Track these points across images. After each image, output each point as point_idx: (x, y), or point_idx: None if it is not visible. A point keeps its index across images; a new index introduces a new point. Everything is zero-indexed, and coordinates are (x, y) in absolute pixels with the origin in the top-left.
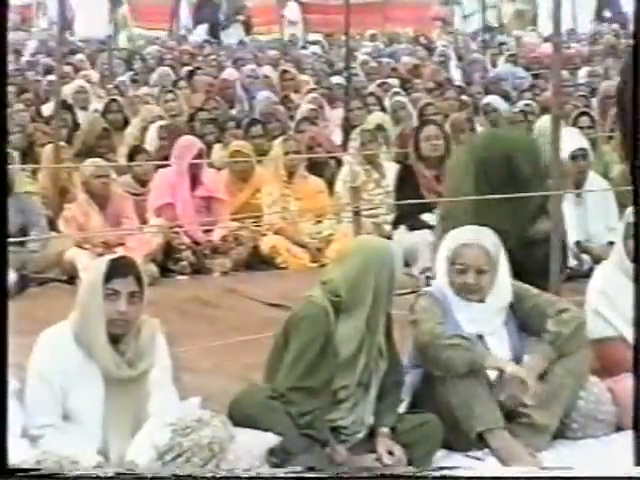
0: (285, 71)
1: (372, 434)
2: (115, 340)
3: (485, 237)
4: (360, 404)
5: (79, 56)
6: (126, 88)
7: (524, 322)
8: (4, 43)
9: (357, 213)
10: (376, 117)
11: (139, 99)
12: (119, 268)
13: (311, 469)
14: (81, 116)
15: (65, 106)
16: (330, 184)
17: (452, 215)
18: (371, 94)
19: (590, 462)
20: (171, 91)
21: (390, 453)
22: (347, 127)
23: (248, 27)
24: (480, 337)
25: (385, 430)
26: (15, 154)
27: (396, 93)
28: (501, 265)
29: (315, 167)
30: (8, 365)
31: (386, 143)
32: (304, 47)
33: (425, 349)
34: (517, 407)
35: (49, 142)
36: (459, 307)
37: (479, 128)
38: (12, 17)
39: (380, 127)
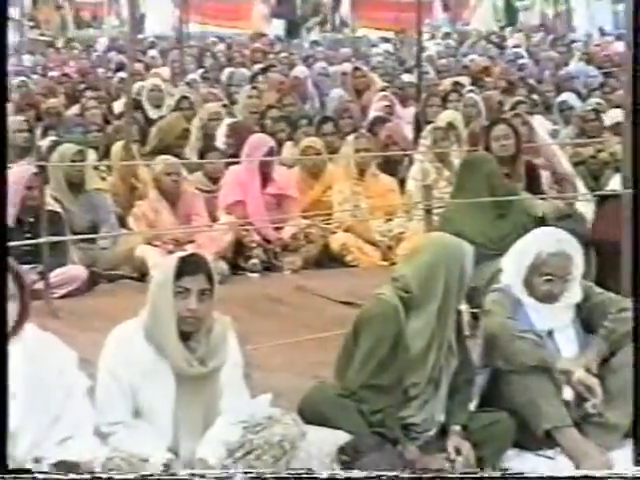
0: (357, 69)
1: (443, 432)
2: (186, 337)
3: (568, 243)
4: (431, 401)
5: (151, 52)
6: (197, 85)
7: (587, 319)
8: (4, 43)
9: (428, 211)
10: (447, 115)
11: (204, 97)
12: (189, 266)
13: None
14: (154, 114)
15: (136, 104)
16: (402, 182)
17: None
18: (442, 92)
19: None
20: (255, 87)
21: (458, 452)
22: (418, 125)
23: (323, 25)
24: (549, 334)
25: (456, 428)
26: (88, 151)
27: (469, 91)
28: (577, 267)
29: (390, 165)
30: (8, 365)
31: (457, 141)
32: (374, 45)
33: (495, 340)
34: (584, 412)
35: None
36: (531, 305)
37: (552, 126)
38: (83, 15)
39: (451, 125)
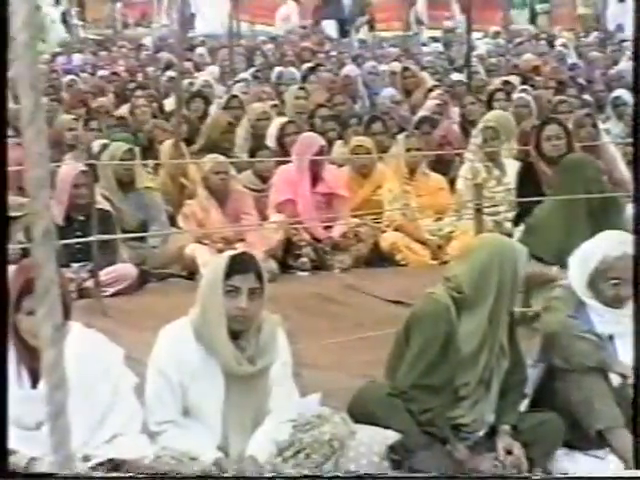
0: (406, 68)
1: (493, 432)
2: (236, 336)
3: (629, 246)
4: (481, 402)
5: (199, 50)
6: (247, 84)
7: None
8: (4, 42)
9: (478, 210)
10: (498, 114)
11: (255, 96)
12: (239, 264)
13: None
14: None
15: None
16: (452, 181)
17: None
18: (493, 91)
19: None
20: (302, 88)
21: (509, 452)
22: (467, 124)
23: (372, 24)
24: (610, 338)
25: (506, 428)
26: (137, 150)
27: (521, 90)
28: None
29: (441, 164)
30: (8, 365)
31: (507, 140)
32: (424, 44)
33: (555, 338)
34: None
35: (169, 138)
36: (595, 308)
37: (603, 125)
38: (132, 13)
39: (501, 124)
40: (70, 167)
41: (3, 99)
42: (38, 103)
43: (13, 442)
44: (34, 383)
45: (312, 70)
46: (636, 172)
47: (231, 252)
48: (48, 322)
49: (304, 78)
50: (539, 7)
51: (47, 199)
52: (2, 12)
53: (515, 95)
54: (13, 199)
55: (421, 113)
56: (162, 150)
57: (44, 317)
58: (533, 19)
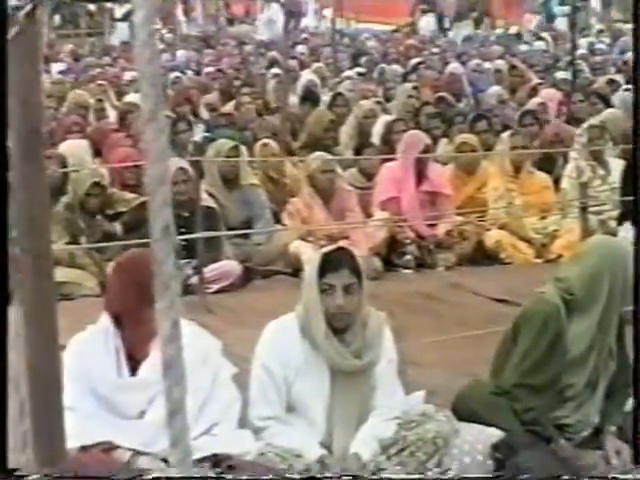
0: (514, 66)
1: (597, 433)
2: (341, 331)
3: None
4: (587, 403)
5: (299, 48)
6: (353, 82)
7: None
8: (4, 42)
9: (583, 209)
10: (606, 113)
11: (361, 94)
12: (332, 262)
13: None
14: None
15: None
16: (556, 180)
17: None
18: (598, 89)
19: None
20: (415, 87)
21: (618, 453)
22: (572, 123)
23: (478, 22)
24: None
25: (613, 429)
26: (242, 148)
27: (626, 89)
28: None
29: (547, 162)
30: (7, 364)
31: (612, 140)
32: (527, 42)
33: None
34: None
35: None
36: None
37: None
38: (236, 10)
39: (607, 124)
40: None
41: (3, 99)
42: (159, 100)
43: (111, 434)
44: (133, 371)
45: (413, 68)
46: (636, 172)
47: (325, 250)
48: (167, 318)
49: (405, 76)
50: (557, 10)
51: (167, 196)
52: (1, 14)
53: (619, 93)
54: (119, 194)
55: (528, 107)
56: (255, 148)
57: (163, 313)
58: (550, 21)
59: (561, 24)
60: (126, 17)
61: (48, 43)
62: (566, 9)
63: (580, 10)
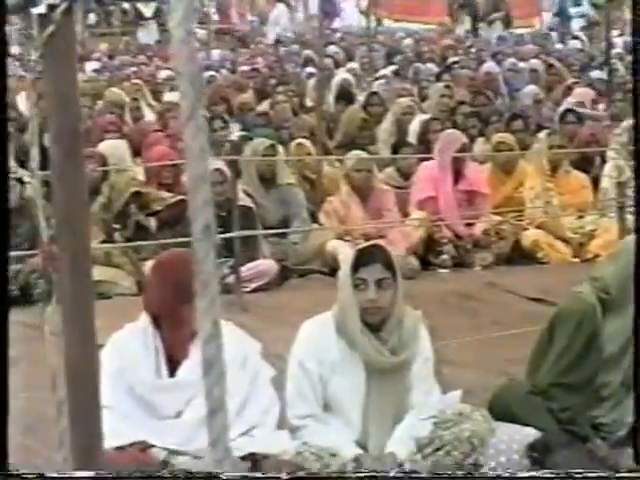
0: (551, 65)
1: (633, 432)
2: (377, 329)
3: None
4: (622, 403)
5: (332, 48)
6: (387, 81)
7: None
8: (3, 41)
9: (621, 208)
10: None
11: (397, 93)
12: (365, 257)
13: None
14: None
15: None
16: (594, 180)
17: None
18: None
19: None
20: (448, 86)
21: None
22: (611, 122)
23: (508, 22)
24: None
25: None
26: (279, 147)
27: None
28: None
29: (585, 162)
30: (8, 363)
31: None
32: (562, 41)
33: None
34: None
35: (309, 134)
36: None
37: None
38: (270, 10)
39: None
40: (221, 164)
41: (3, 99)
42: (198, 99)
43: (146, 434)
44: (171, 372)
45: (449, 67)
46: (636, 171)
47: (359, 246)
48: (207, 317)
49: (438, 76)
50: (573, 11)
51: (207, 194)
52: (1, 15)
53: None
54: (155, 193)
55: (564, 106)
56: (290, 149)
57: (204, 312)
58: (566, 22)
59: (576, 25)
60: (155, 15)
61: (82, 42)
62: (582, 9)
63: (612, 9)
